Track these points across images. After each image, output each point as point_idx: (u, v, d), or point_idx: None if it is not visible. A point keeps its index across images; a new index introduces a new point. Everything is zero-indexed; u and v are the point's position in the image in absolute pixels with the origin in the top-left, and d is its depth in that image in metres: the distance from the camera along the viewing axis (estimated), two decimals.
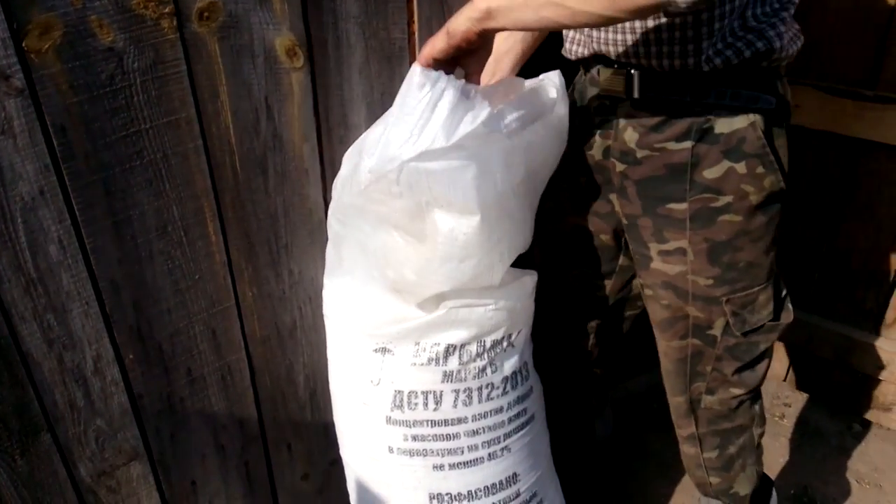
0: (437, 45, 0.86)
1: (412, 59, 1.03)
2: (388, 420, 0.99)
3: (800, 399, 2.00)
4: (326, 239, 1.03)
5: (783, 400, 2.00)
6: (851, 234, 1.74)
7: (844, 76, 1.59)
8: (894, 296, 1.75)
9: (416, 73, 0.84)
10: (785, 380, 2.04)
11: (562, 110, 0.96)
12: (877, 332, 1.80)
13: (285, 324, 1.08)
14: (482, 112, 0.83)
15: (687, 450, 1.29)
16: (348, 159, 0.95)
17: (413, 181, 0.82)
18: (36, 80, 0.74)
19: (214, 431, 1.07)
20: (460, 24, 0.85)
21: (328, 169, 1.01)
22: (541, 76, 1.00)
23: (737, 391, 1.16)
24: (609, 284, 1.26)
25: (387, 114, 0.91)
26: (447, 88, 0.83)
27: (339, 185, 0.96)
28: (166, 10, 0.79)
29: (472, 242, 0.87)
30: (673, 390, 1.22)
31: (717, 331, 1.10)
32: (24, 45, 0.72)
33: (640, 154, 1.03)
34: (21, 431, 0.89)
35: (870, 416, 1.90)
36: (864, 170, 1.65)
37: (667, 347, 1.17)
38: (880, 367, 1.81)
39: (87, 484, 0.97)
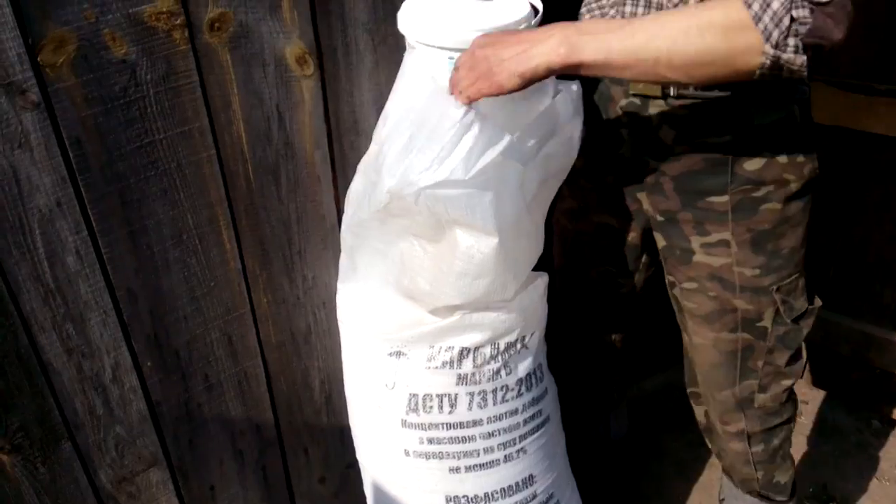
0: (507, 87, 0.80)
1: None
2: (404, 423, 0.99)
3: (817, 396, 1.98)
4: (339, 244, 1.03)
5: (801, 398, 1.98)
6: (867, 229, 1.72)
7: (856, 70, 1.58)
8: None
9: (452, 105, 0.82)
10: (801, 377, 2.02)
11: (577, 123, 0.95)
12: (894, 328, 1.79)
13: (300, 329, 1.09)
14: (501, 143, 0.83)
15: (734, 446, 1.27)
16: (362, 174, 0.95)
17: (431, 205, 0.83)
18: (51, 93, 0.75)
19: (232, 437, 1.08)
20: (539, 69, 0.78)
21: (340, 175, 1.02)
22: (559, 84, 0.98)
23: (787, 382, 1.17)
24: (631, 282, 1.26)
25: (390, 113, 0.90)
26: (474, 123, 0.82)
27: (352, 200, 0.96)
28: (178, 21, 0.80)
29: (489, 262, 0.87)
30: (719, 385, 1.19)
31: (767, 321, 1.10)
32: (39, 59, 0.73)
33: (677, 150, 1.02)
34: (42, 440, 0.90)
35: (889, 412, 1.88)
36: (878, 164, 1.64)
37: (715, 340, 1.15)
38: None
39: (108, 490, 0.98)
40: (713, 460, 1.78)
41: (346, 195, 0.98)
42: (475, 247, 0.86)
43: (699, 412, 1.32)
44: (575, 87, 0.96)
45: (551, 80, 0.95)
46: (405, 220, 0.88)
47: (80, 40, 0.75)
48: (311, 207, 1.02)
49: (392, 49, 0.99)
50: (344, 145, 1.01)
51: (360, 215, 0.93)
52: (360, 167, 0.96)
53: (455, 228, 0.86)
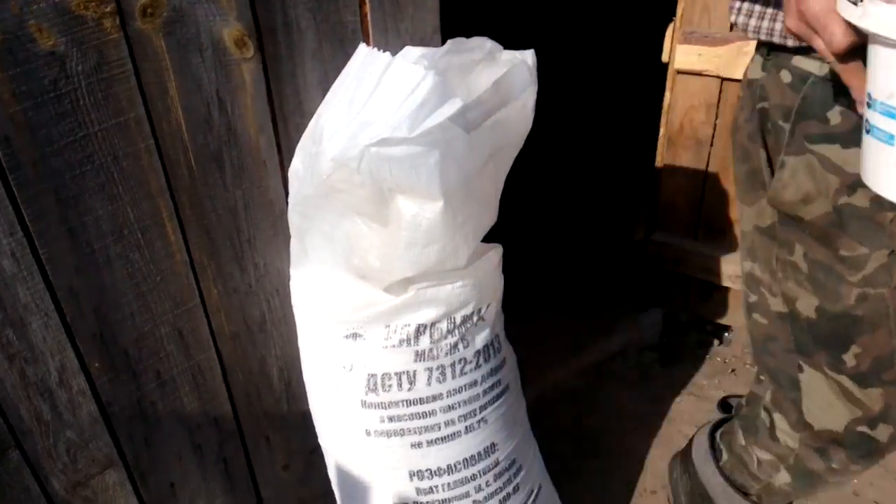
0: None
1: (366, 41, 1.01)
2: (364, 404, 0.99)
3: None
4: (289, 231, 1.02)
5: None
6: None
7: None
8: None
9: (395, 65, 0.83)
10: None
11: (531, 93, 0.95)
12: None
13: (254, 318, 1.07)
14: (452, 107, 0.82)
15: None
16: (301, 150, 0.94)
17: (374, 168, 0.82)
18: None
19: (189, 432, 1.06)
20: None
21: (286, 159, 1.00)
22: (514, 54, 0.96)
23: None
24: None
25: (334, 99, 0.89)
26: (423, 81, 0.81)
27: (295, 178, 0.95)
28: (108, 9, 0.77)
29: (436, 227, 0.87)
30: None
31: None
32: None
33: None
34: None
35: None
36: None
37: None
38: None
39: (62, 497, 0.96)
40: (671, 415, 1.85)
41: (289, 174, 0.96)
42: (420, 214, 0.86)
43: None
44: (530, 57, 0.96)
45: (507, 51, 0.95)
46: (348, 195, 0.87)
47: (4, 33, 0.71)
48: (259, 193, 1.00)
49: (335, 27, 0.97)
50: (289, 128, 0.99)
51: (303, 191, 0.92)
52: (300, 144, 0.94)
53: (398, 198, 0.86)
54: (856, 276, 0.89)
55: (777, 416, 1.07)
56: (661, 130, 2.02)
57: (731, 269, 2.01)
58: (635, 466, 1.69)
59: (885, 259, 0.88)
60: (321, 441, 1.11)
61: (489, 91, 0.91)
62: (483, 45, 0.95)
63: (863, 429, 0.95)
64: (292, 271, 1.03)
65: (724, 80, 1.83)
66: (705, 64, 1.81)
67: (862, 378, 0.93)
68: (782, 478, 1.09)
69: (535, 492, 1.15)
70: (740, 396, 1.44)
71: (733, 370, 2.02)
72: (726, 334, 2.15)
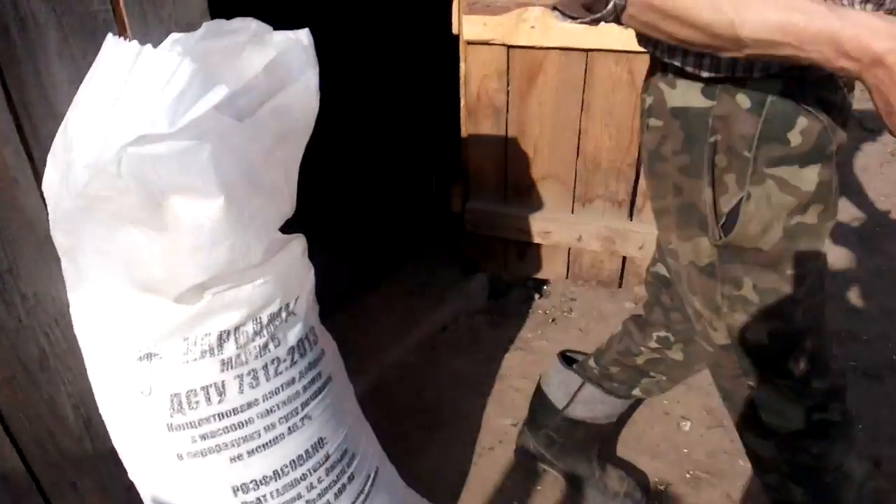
0: None
1: (121, 32, 0.92)
2: (170, 427, 0.92)
3: (581, 291, 2.24)
4: None
5: (569, 296, 2.23)
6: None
7: None
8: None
9: (145, 54, 0.75)
10: (567, 278, 2.26)
11: (311, 75, 0.90)
12: (631, 219, 2.06)
13: (32, 356, 0.95)
14: (218, 95, 0.76)
15: None
16: (53, 159, 0.84)
17: (137, 171, 0.75)
18: None
19: None
20: None
21: (43, 171, 0.89)
22: (287, 34, 0.91)
23: None
24: None
25: (82, 98, 0.80)
26: (179, 69, 0.74)
27: (51, 193, 0.84)
28: None
29: (221, 226, 0.81)
30: None
31: None
32: None
33: None
34: None
35: (639, 291, 2.18)
36: None
37: None
38: (639, 247, 2.07)
39: None
40: (502, 372, 1.93)
41: (43, 191, 0.86)
42: (201, 214, 0.80)
43: None
44: (305, 37, 0.92)
45: (278, 32, 0.90)
46: (113, 204, 0.79)
47: None
48: (14, 216, 0.88)
49: (82, 18, 0.87)
50: (41, 136, 0.88)
51: (62, 206, 0.82)
52: (51, 153, 0.84)
53: (173, 200, 0.79)
54: (802, 292, 0.93)
55: (746, 437, 1.10)
56: (462, 101, 2.07)
57: (539, 226, 2.12)
58: (473, 428, 1.75)
59: (820, 266, 0.94)
60: (131, 476, 1.01)
61: (260, 75, 0.87)
62: (248, 26, 0.90)
63: (819, 416, 1.01)
64: (70, 296, 0.93)
65: (510, 47, 1.90)
66: (491, 33, 1.88)
67: (804, 378, 0.99)
68: (797, 491, 1.09)
69: (373, 476, 1.14)
70: (584, 353, 1.51)
71: (553, 320, 2.15)
72: (545, 287, 2.28)
